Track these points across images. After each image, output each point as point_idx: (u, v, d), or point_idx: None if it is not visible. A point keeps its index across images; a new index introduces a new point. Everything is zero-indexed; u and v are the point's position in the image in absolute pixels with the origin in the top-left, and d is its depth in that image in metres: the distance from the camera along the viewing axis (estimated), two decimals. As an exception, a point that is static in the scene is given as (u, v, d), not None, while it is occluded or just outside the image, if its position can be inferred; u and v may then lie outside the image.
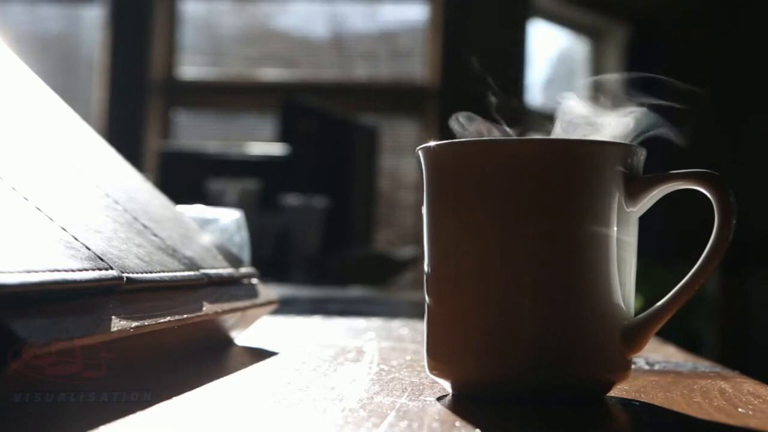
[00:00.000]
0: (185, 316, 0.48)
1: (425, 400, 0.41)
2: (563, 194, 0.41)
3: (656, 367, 0.56)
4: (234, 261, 0.66)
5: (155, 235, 0.54)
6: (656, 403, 0.43)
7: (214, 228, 0.74)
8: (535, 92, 4.03)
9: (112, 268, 0.42)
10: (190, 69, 3.88)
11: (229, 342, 0.62)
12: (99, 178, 0.56)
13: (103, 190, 0.54)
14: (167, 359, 0.51)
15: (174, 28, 3.88)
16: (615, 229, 0.42)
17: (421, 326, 0.47)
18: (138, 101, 3.74)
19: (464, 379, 0.43)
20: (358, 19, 3.92)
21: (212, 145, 3.49)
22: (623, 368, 0.43)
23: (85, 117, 0.66)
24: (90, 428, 0.33)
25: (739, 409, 0.41)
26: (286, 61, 3.89)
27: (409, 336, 0.72)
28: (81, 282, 0.39)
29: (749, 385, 0.49)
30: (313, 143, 2.70)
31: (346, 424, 0.35)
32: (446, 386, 0.44)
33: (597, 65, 4.00)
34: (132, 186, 0.62)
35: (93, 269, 0.40)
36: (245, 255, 0.75)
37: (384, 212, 3.63)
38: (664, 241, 3.05)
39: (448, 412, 0.39)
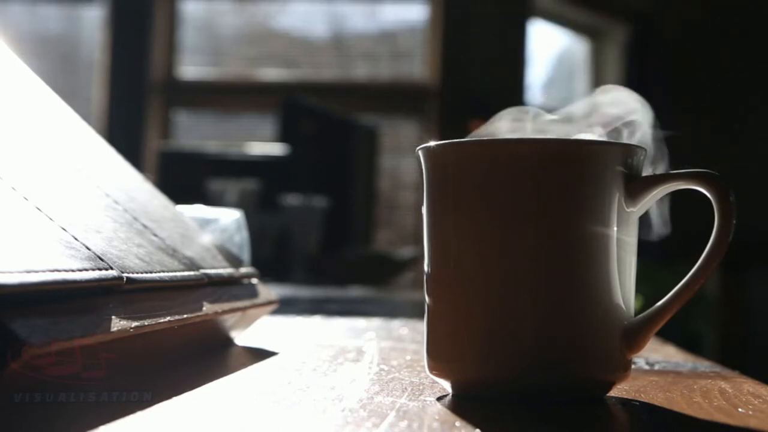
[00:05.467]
0: (185, 316, 0.48)
1: (425, 400, 0.41)
2: (563, 194, 0.41)
3: (656, 367, 0.56)
4: (234, 261, 0.66)
5: (155, 235, 0.54)
6: (656, 403, 0.43)
7: (214, 228, 0.74)
8: (535, 92, 4.03)
9: (112, 268, 0.42)
10: (190, 69, 3.88)
11: (229, 342, 0.62)
12: (99, 178, 0.56)
13: (103, 190, 0.54)
14: (167, 359, 0.51)
15: (174, 28, 3.88)
16: (615, 228, 0.42)
17: (421, 326, 0.47)
18: (138, 101, 3.74)
19: (464, 379, 0.43)
20: (358, 19, 3.92)
21: (212, 145, 3.49)
22: (623, 368, 0.43)
23: (85, 117, 0.66)
24: (90, 428, 0.33)
25: (739, 409, 0.41)
26: (286, 61, 3.89)
27: (409, 336, 0.72)
28: (81, 282, 0.39)
29: (749, 385, 0.49)
30: (313, 143, 2.70)
31: (346, 424, 0.35)
32: (446, 386, 0.44)
33: (597, 65, 4.00)
34: (132, 186, 0.62)
35: (93, 269, 0.40)
36: (245, 255, 0.75)
37: (384, 212, 3.63)
38: (664, 241, 3.05)
39: (448, 412, 0.39)
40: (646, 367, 0.56)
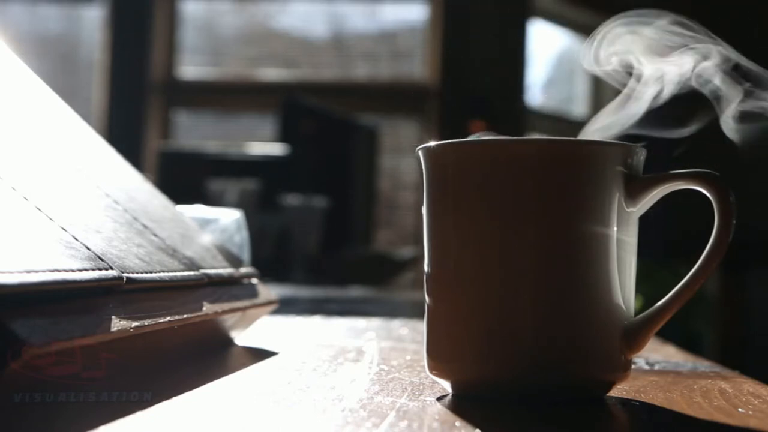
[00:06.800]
0: (185, 316, 0.48)
1: (425, 400, 0.41)
2: (563, 194, 0.41)
3: (656, 367, 0.56)
4: (234, 261, 0.66)
5: (155, 235, 0.54)
6: (656, 403, 0.43)
7: (214, 228, 0.74)
8: (535, 92, 4.03)
9: (112, 268, 0.42)
10: (190, 69, 3.88)
11: (229, 342, 0.62)
12: (99, 178, 0.56)
13: (103, 190, 0.54)
14: (167, 359, 0.51)
15: (174, 28, 3.88)
16: (615, 229, 0.42)
17: (421, 326, 0.47)
18: (138, 101, 3.75)
19: (464, 379, 0.43)
20: (358, 19, 3.92)
21: (212, 145, 3.50)
22: (623, 368, 0.43)
23: (85, 117, 0.66)
24: (90, 428, 0.33)
25: (739, 409, 0.41)
26: (286, 61, 3.89)
27: (409, 336, 0.72)
28: (81, 282, 0.39)
29: (749, 385, 0.49)
30: (313, 143, 2.70)
31: (346, 424, 0.35)
32: (446, 386, 0.44)
33: (597, 65, 4.00)
34: (132, 186, 0.62)
35: (93, 269, 0.40)
36: (245, 255, 0.75)
37: (384, 212, 3.63)
38: (664, 241, 3.06)
39: (448, 412, 0.39)
40: (646, 367, 0.56)
